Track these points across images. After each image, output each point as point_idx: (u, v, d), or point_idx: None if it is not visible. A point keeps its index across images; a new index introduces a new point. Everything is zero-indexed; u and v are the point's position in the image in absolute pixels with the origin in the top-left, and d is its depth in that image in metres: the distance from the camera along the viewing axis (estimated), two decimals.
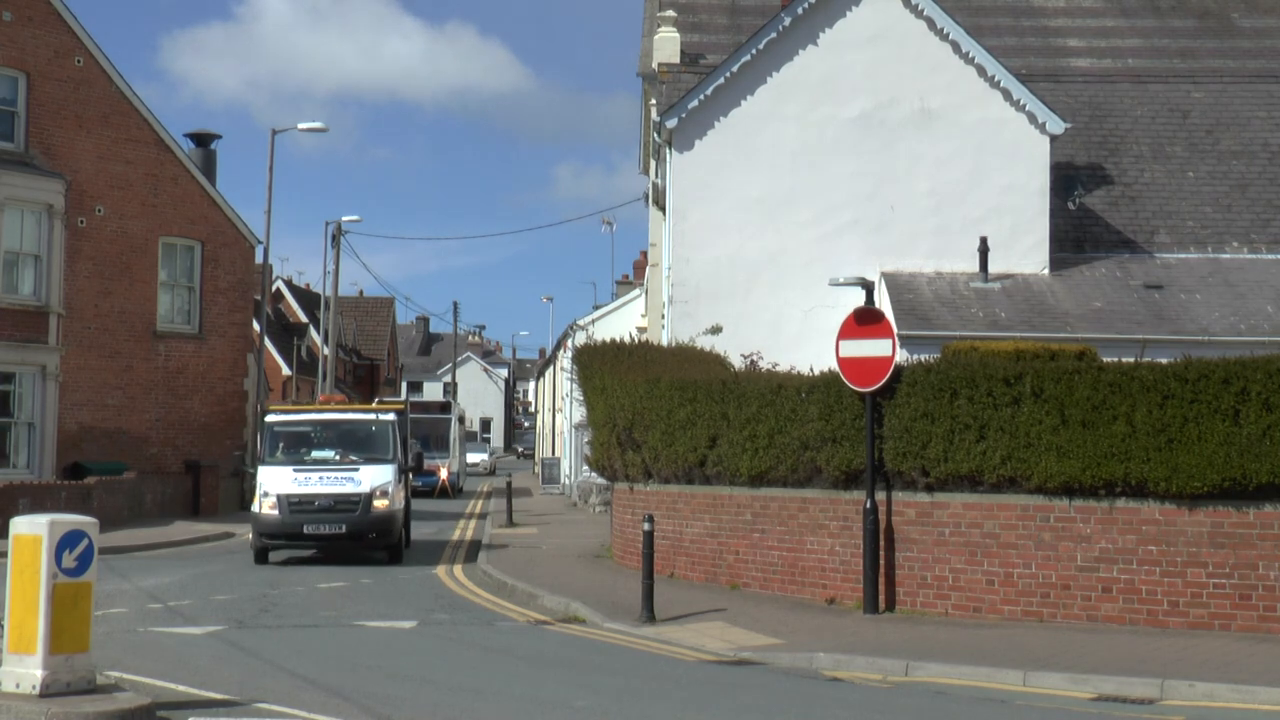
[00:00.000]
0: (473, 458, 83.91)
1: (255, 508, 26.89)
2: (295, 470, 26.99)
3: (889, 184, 30.29)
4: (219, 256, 41.94)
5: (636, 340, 29.70)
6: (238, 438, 42.58)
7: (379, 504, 26.71)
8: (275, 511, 26.42)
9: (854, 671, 15.09)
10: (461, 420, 66.75)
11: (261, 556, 26.77)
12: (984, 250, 29.61)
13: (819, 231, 30.21)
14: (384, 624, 18.24)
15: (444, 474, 54.65)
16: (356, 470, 27.04)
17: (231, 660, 14.97)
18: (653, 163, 37.28)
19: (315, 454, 27.66)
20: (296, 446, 27.92)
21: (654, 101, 33.97)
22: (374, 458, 27.58)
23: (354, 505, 26.59)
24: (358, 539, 26.85)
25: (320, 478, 26.83)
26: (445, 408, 59.51)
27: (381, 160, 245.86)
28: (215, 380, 41.62)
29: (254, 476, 29.40)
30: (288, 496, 26.46)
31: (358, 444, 28.00)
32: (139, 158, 39.61)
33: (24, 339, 35.78)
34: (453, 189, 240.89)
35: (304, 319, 77.56)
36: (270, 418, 28.77)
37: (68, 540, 11.36)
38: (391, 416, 28.62)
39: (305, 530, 26.45)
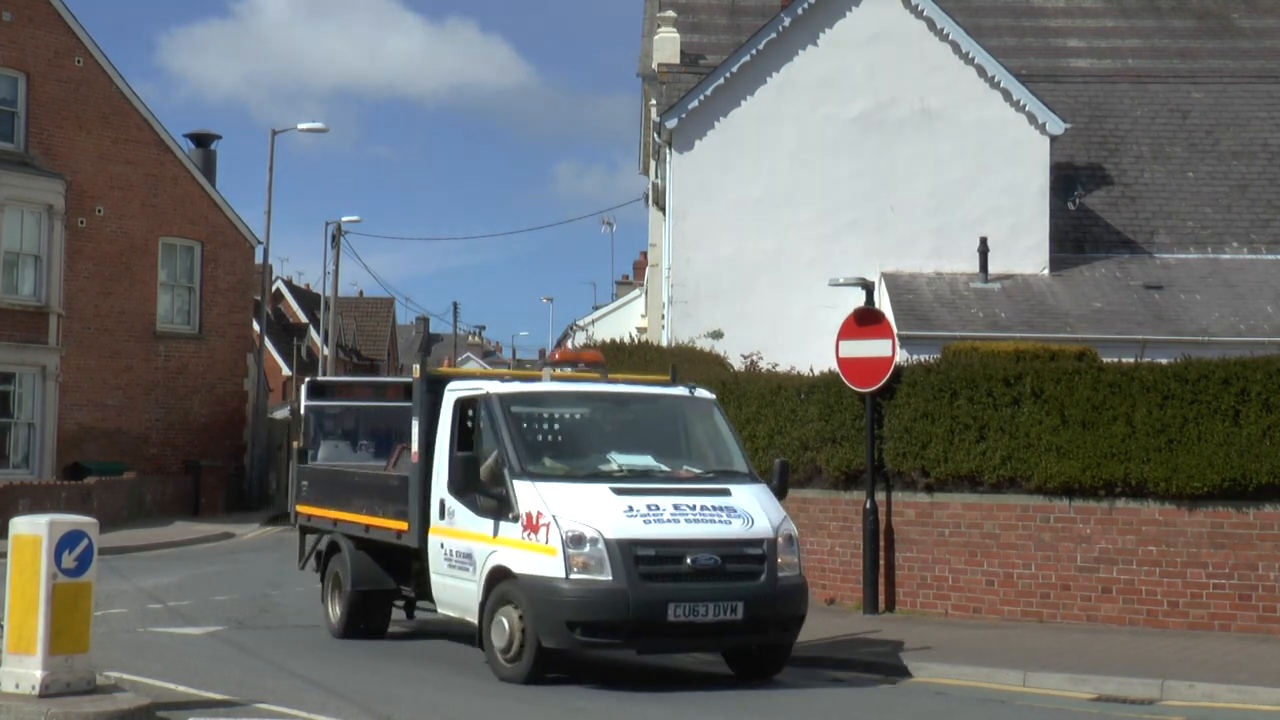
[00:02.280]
0: None
1: (537, 568, 13.53)
2: (617, 492, 13.86)
3: (889, 184, 30.30)
4: (219, 257, 41.96)
5: (636, 341, 29.69)
6: (237, 438, 42.60)
7: (786, 560, 14.04)
8: (604, 576, 13.32)
9: (854, 672, 15.09)
10: None
11: (539, 668, 13.61)
12: (984, 250, 29.63)
13: (819, 231, 30.21)
14: None
15: None
16: (727, 494, 14.29)
17: (231, 660, 14.97)
18: (653, 163, 37.30)
19: (619, 459, 14.69)
20: (561, 444, 14.99)
21: (654, 101, 34.00)
22: (726, 471, 14.95)
23: (756, 564, 13.83)
24: (758, 632, 13.94)
25: (675, 507, 13.86)
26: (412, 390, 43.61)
27: (381, 158, 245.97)
28: (215, 380, 41.63)
29: (303, 486, 18.56)
30: (632, 543, 13.40)
31: (666, 443, 15.31)
32: (139, 158, 39.61)
33: (24, 339, 35.77)
34: (453, 189, 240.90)
35: (304, 319, 77.56)
36: (494, 388, 14.87)
37: (68, 540, 11.35)
38: (712, 395, 16.03)
39: (671, 616, 13.37)
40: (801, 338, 28.71)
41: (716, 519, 13.89)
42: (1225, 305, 29.01)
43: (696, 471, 14.80)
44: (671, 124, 30.52)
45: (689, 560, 13.47)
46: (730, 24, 36.53)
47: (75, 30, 37.90)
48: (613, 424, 15.40)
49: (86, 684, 11.42)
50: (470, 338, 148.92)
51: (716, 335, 29.46)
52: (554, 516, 13.50)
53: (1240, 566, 16.76)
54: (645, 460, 14.75)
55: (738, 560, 13.69)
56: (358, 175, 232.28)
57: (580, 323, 61.42)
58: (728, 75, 30.40)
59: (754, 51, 30.46)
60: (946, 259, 30.05)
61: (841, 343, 19.34)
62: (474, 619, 14.42)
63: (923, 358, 19.91)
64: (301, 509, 18.74)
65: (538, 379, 15.48)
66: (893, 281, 29.52)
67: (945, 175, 30.24)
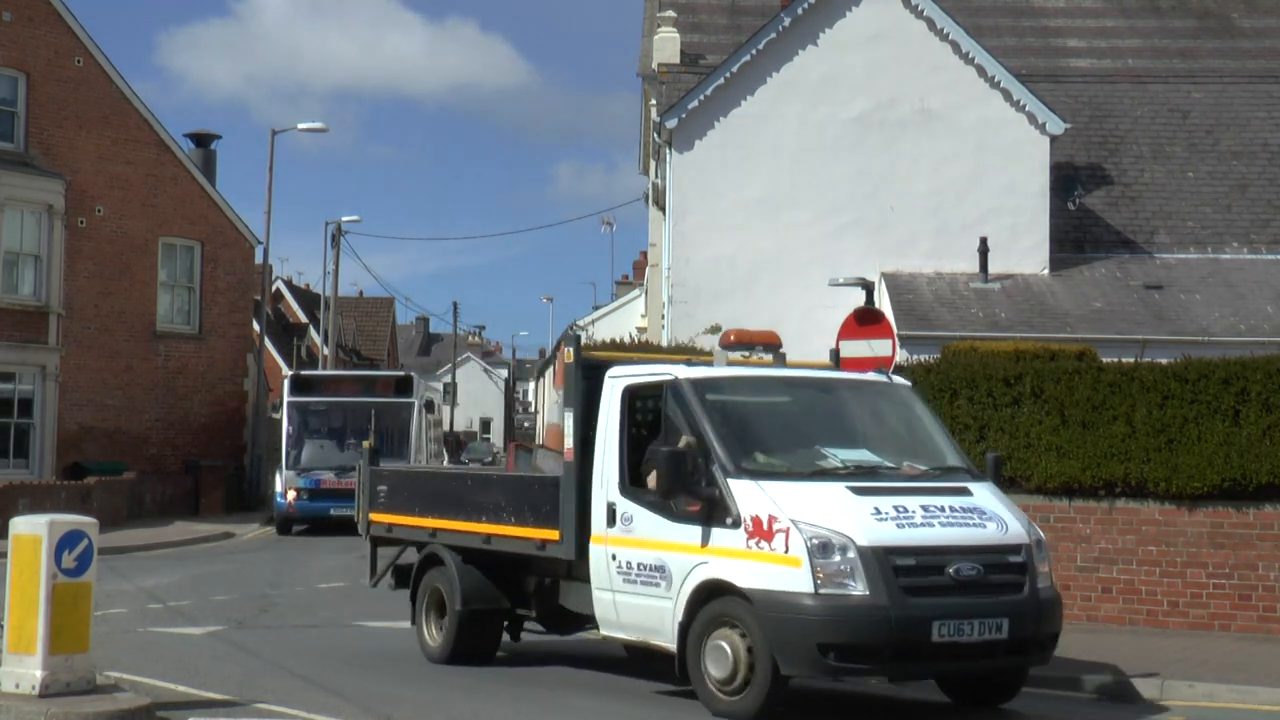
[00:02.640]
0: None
1: (773, 582, 11.59)
2: (856, 491, 11.99)
3: (889, 184, 30.32)
4: (219, 256, 41.96)
5: (636, 340, 29.71)
6: (237, 438, 42.58)
7: (1042, 569, 12.39)
8: (859, 589, 11.45)
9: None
10: (430, 408, 47.00)
11: (772, 699, 11.71)
12: (984, 250, 29.63)
13: (819, 231, 30.22)
14: (384, 624, 18.22)
15: None
16: (968, 493, 12.50)
17: (231, 660, 14.97)
18: (653, 163, 37.31)
19: (843, 455, 12.69)
20: (765, 438, 12.84)
21: (654, 101, 34.01)
22: (950, 468, 13.05)
23: (1018, 574, 12.13)
24: (1020, 653, 12.16)
25: (924, 509, 12.03)
26: (403, 385, 37.65)
27: (381, 157, 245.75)
28: (215, 380, 41.62)
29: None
30: (888, 551, 11.58)
31: (872, 436, 13.33)
32: (139, 158, 39.62)
33: (24, 339, 35.77)
34: (453, 189, 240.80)
35: (304, 319, 77.56)
36: (685, 373, 12.89)
37: (67, 540, 11.36)
38: (909, 382, 14.49)
39: (935, 635, 11.53)
40: (801, 338, 28.71)
41: (969, 522, 12.05)
42: (1225, 305, 29.01)
43: (922, 468, 12.82)
44: (671, 124, 30.53)
45: (950, 571, 11.63)
46: (730, 24, 36.53)
47: (75, 30, 37.90)
48: (813, 414, 13.32)
49: (86, 684, 11.43)
50: (470, 337, 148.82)
51: (715, 330, 29.47)
52: (792, 521, 11.55)
53: (1240, 566, 16.76)
54: (864, 455, 12.76)
55: (1000, 570, 11.92)
56: (358, 174, 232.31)
57: (580, 323, 61.50)
58: (728, 75, 30.41)
59: (754, 51, 30.48)
60: (946, 259, 30.06)
61: (841, 342, 19.31)
62: (665, 643, 12.39)
63: (923, 358, 19.92)
64: (379, 518, 16.25)
65: (708, 363, 13.57)
66: (893, 281, 29.52)
67: (945, 175, 30.26)
